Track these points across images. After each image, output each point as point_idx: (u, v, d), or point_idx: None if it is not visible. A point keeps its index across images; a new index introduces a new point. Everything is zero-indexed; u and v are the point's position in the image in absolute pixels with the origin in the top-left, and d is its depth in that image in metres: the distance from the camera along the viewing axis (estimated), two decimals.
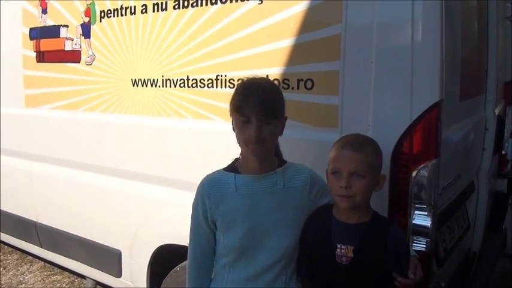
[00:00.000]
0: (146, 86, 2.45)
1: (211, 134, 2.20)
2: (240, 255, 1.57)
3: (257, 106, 1.43)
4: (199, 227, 1.60)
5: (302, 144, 1.92)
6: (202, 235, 1.61)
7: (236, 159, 1.62)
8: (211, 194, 1.56)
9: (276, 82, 1.99)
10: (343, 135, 1.67)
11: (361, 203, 1.52)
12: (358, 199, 1.50)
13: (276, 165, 1.60)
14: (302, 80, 1.93)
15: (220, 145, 2.10)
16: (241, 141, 1.50)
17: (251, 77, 1.55)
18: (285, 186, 1.58)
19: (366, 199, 1.54)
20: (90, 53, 2.67)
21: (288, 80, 1.97)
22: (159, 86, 2.40)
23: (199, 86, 2.25)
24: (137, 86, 2.50)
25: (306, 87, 1.92)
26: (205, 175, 1.61)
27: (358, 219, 1.56)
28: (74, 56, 2.75)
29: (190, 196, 1.63)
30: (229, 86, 2.14)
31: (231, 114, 1.52)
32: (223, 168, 1.61)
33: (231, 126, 1.55)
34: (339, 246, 1.55)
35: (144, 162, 2.51)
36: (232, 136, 1.55)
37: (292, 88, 1.95)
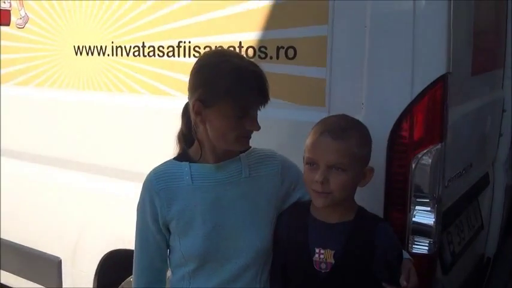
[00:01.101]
0: (92, 54, 2.44)
1: (173, 114, 2.15)
2: (202, 263, 1.56)
3: (258, 96, 1.45)
4: (148, 233, 1.59)
5: (281, 126, 1.94)
6: (151, 243, 1.60)
7: (188, 146, 1.62)
8: (161, 191, 1.55)
9: (250, 50, 2.00)
10: (327, 116, 1.68)
11: (341, 200, 1.53)
12: (337, 196, 1.50)
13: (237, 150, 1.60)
14: (282, 47, 1.93)
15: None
16: (230, 138, 1.49)
17: (218, 52, 1.55)
18: (251, 175, 1.59)
19: (347, 195, 1.55)
20: (23, 14, 2.64)
21: (265, 48, 1.97)
22: (108, 55, 2.38)
23: (158, 54, 2.23)
24: (81, 54, 2.48)
25: (287, 56, 1.92)
26: (152, 168, 1.60)
27: (339, 218, 1.56)
28: (2, 17, 2.72)
29: None
30: (194, 55, 2.14)
31: (206, 106, 1.48)
32: (174, 158, 1.61)
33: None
34: (317, 250, 1.55)
35: (88, 149, 2.50)
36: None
37: (271, 58, 1.96)
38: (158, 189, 1.55)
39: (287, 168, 1.65)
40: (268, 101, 1.49)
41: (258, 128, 1.48)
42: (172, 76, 2.21)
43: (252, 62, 1.54)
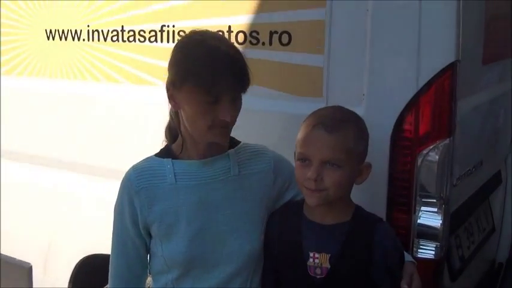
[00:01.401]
0: (66, 39, 2.43)
1: (155, 105, 2.13)
2: (187, 270, 1.56)
3: (231, 82, 1.44)
4: (126, 236, 1.59)
5: (273, 119, 1.94)
6: (130, 248, 1.60)
7: (171, 141, 1.62)
8: (141, 190, 1.55)
9: (241, 35, 2.00)
10: (320, 108, 1.67)
11: (336, 198, 1.53)
12: (332, 194, 1.50)
13: (226, 146, 1.61)
14: (276, 32, 1.93)
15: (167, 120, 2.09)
16: (201, 126, 1.48)
17: (196, 32, 1.52)
18: (240, 173, 1.59)
19: (343, 193, 1.55)
20: None
21: (257, 33, 1.96)
22: (84, 40, 2.37)
23: (139, 40, 2.23)
24: (53, 39, 2.47)
25: (280, 42, 1.92)
26: (132, 165, 1.60)
27: (335, 219, 1.57)
28: None
29: None
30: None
31: (176, 89, 1.49)
32: (155, 154, 1.61)
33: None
34: (311, 254, 1.56)
35: (60, 144, 2.49)
36: None
37: (263, 44, 1.95)
38: (138, 188, 1.55)
39: (280, 166, 1.66)
40: (246, 88, 1.47)
41: (229, 118, 1.45)
42: (154, 63, 2.21)
43: (231, 45, 1.53)
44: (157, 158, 1.59)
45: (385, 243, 1.54)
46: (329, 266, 1.54)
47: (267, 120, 1.92)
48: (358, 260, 1.53)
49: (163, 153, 1.60)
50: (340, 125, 1.51)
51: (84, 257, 2.42)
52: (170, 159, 1.57)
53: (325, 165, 1.49)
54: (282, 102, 1.93)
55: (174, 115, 1.58)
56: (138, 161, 1.61)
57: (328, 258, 1.54)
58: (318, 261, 1.55)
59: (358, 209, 1.61)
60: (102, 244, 2.22)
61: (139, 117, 2.25)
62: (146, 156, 1.63)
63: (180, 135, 1.58)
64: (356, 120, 1.57)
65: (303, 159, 1.53)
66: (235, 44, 1.87)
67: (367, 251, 1.53)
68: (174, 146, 1.61)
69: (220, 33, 2.01)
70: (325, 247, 1.55)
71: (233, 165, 1.59)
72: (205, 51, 1.44)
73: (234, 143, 1.64)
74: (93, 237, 2.39)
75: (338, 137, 1.49)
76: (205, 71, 1.42)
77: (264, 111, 1.93)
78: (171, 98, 1.51)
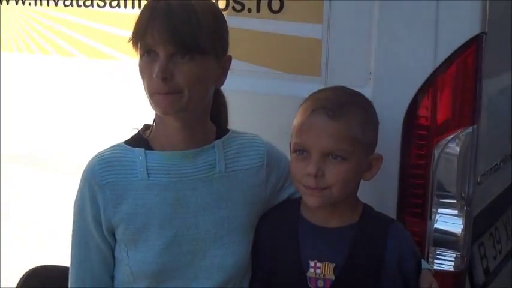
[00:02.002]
0: (7, 2, 2.42)
1: (117, 83, 2.20)
2: (157, 282, 1.56)
3: (164, 30, 1.44)
4: (88, 237, 1.59)
5: (262, 102, 1.93)
6: (93, 250, 1.59)
7: (145, 126, 1.62)
8: (106, 185, 1.54)
9: (222, 0, 1.98)
10: (320, 89, 1.67)
11: (342, 197, 1.53)
12: (336, 193, 1.50)
13: (212, 135, 1.61)
14: None
15: (134, 98, 2.02)
16: (146, 90, 1.50)
17: None
18: (227, 169, 1.59)
19: (349, 191, 1.55)
20: None
21: None
22: (30, 4, 2.36)
23: (97, 4, 2.21)
24: None
25: (270, 8, 1.91)
26: (96, 153, 1.60)
27: (340, 221, 1.57)
28: None
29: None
30: None
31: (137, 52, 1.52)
32: (125, 141, 1.61)
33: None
34: (312, 264, 1.56)
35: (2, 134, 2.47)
36: None
37: (249, 10, 1.95)
38: (102, 182, 1.54)
39: (274, 160, 1.66)
40: (198, 47, 1.46)
41: (160, 76, 1.43)
42: (116, 34, 2.19)
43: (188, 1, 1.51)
44: (127, 146, 1.59)
45: (400, 248, 1.55)
46: (333, 278, 1.54)
47: (253, 103, 1.92)
48: (368, 268, 1.54)
49: (135, 141, 1.60)
50: (344, 108, 1.50)
51: (31, 269, 2.41)
52: (143, 149, 1.56)
53: (326, 157, 1.49)
54: (272, 82, 1.93)
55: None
56: (103, 149, 1.60)
57: (332, 268, 1.54)
58: (320, 271, 1.55)
59: (367, 208, 1.61)
60: (53, 254, 2.26)
61: (97, 98, 2.25)
62: (113, 144, 1.62)
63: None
64: (363, 103, 1.58)
65: (300, 150, 1.53)
66: None
67: (379, 258, 1.53)
68: (147, 133, 1.60)
69: None
70: (329, 255, 1.55)
71: (219, 159, 1.59)
72: (152, 2, 1.50)
73: (221, 131, 1.64)
74: (42, 246, 2.37)
75: (342, 124, 1.49)
76: (140, 21, 1.48)
77: (250, 93, 1.93)
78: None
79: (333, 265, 1.54)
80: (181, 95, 1.46)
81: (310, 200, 1.53)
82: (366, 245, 1.56)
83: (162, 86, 1.44)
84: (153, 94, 1.47)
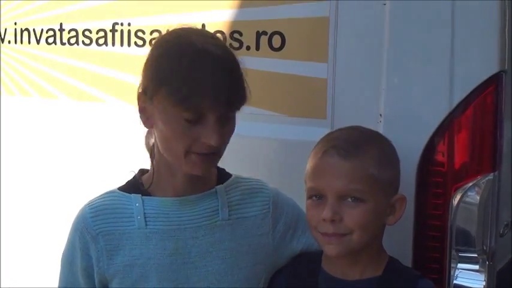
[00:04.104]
0: None
1: (103, 127, 2.18)
2: None
3: (219, 95, 1.40)
4: None
5: (262, 146, 1.92)
6: None
7: (141, 171, 1.62)
8: (99, 235, 1.53)
9: (218, 36, 1.93)
10: (333, 130, 1.66)
11: (363, 244, 1.51)
12: (356, 239, 1.48)
13: (213, 179, 1.61)
14: (264, 33, 1.92)
15: (123, 143, 2.07)
16: (177, 151, 1.46)
17: (180, 28, 1.51)
18: (231, 217, 1.58)
19: (372, 238, 1.53)
20: None
21: (240, 34, 1.95)
22: (9, 42, 2.37)
23: (83, 42, 2.21)
24: None
25: (270, 46, 1.91)
26: (88, 201, 1.59)
27: (361, 274, 1.55)
28: None
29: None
30: (136, 44, 2.11)
31: (148, 99, 1.48)
32: (119, 188, 1.60)
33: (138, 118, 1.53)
34: None
35: None
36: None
37: (248, 48, 1.94)
38: (95, 232, 1.53)
39: (281, 207, 1.65)
40: (241, 104, 1.46)
41: (214, 141, 1.42)
42: (102, 74, 2.19)
43: (223, 46, 1.50)
44: (121, 192, 1.57)
45: None
46: None
47: (252, 148, 1.89)
48: None
49: (130, 186, 1.58)
50: (357, 146, 1.51)
51: None
52: (140, 195, 1.55)
53: (343, 200, 1.48)
54: (272, 126, 1.93)
55: (146, 133, 1.58)
56: (94, 196, 1.59)
57: None
58: None
59: (392, 261, 1.58)
60: None
61: (82, 143, 2.23)
62: (106, 191, 1.60)
63: (151, 163, 1.56)
64: (380, 141, 1.58)
65: (316, 195, 1.52)
66: None
67: None
68: (144, 178, 1.59)
69: None
70: None
71: (222, 206, 1.57)
72: (183, 50, 1.43)
73: (223, 176, 1.63)
74: None
75: (355, 163, 1.49)
76: (182, 76, 1.40)
77: (248, 137, 1.88)
78: (142, 111, 1.50)
79: None
80: (216, 156, 1.49)
81: (329, 249, 1.51)
82: None
83: (206, 148, 1.44)
84: (191, 152, 1.44)
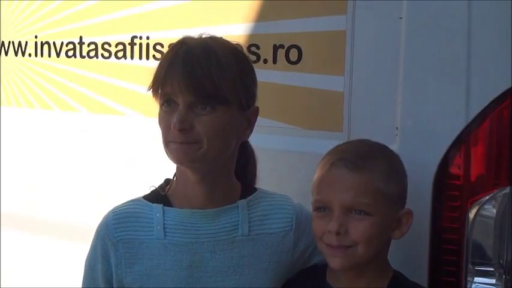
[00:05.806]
0: (6, 54, 2.45)
1: (124, 140, 2.20)
2: None
3: (183, 78, 1.45)
4: None
5: (280, 160, 1.93)
6: None
7: (166, 181, 1.62)
8: (120, 242, 1.55)
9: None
10: (340, 144, 1.66)
11: (367, 258, 1.51)
12: (361, 252, 1.48)
13: (237, 193, 1.61)
14: (282, 47, 1.94)
15: (141, 157, 2.09)
16: (163, 138, 1.50)
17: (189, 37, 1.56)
18: (251, 233, 1.59)
19: (377, 252, 1.53)
20: None
21: (257, 48, 1.97)
22: (30, 55, 2.39)
23: (102, 55, 2.23)
24: None
25: (287, 59, 1.92)
26: (113, 207, 1.61)
27: (367, 287, 1.55)
28: None
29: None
30: (154, 57, 2.14)
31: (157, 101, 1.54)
32: (144, 196, 1.62)
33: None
34: None
35: None
36: None
37: (265, 61, 1.96)
38: (116, 239, 1.55)
39: (304, 225, 1.64)
40: (219, 97, 1.46)
41: (177, 126, 1.44)
42: (121, 86, 2.21)
43: (209, 45, 1.51)
44: (145, 201, 1.59)
45: None
46: None
47: (272, 160, 1.89)
48: None
49: (154, 196, 1.60)
50: (364, 159, 1.52)
51: None
52: (161, 205, 1.57)
53: (349, 213, 1.49)
54: (291, 139, 1.94)
55: None
56: (120, 203, 1.61)
57: None
58: None
59: (397, 275, 1.59)
60: None
61: (101, 156, 2.24)
62: (131, 198, 1.62)
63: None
64: (387, 155, 1.58)
65: (321, 207, 1.53)
66: None
67: None
68: (168, 188, 1.61)
69: None
70: None
71: (242, 221, 1.58)
72: (174, 46, 1.51)
73: (247, 190, 1.64)
74: None
75: (363, 175, 1.50)
76: (160, 67, 1.50)
77: (267, 150, 1.88)
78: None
79: None
80: (198, 145, 1.46)
81: (334, 261, 1.51)
82: None
83: (178, 136, 1.45)
84: (169, 142, 1.47)
